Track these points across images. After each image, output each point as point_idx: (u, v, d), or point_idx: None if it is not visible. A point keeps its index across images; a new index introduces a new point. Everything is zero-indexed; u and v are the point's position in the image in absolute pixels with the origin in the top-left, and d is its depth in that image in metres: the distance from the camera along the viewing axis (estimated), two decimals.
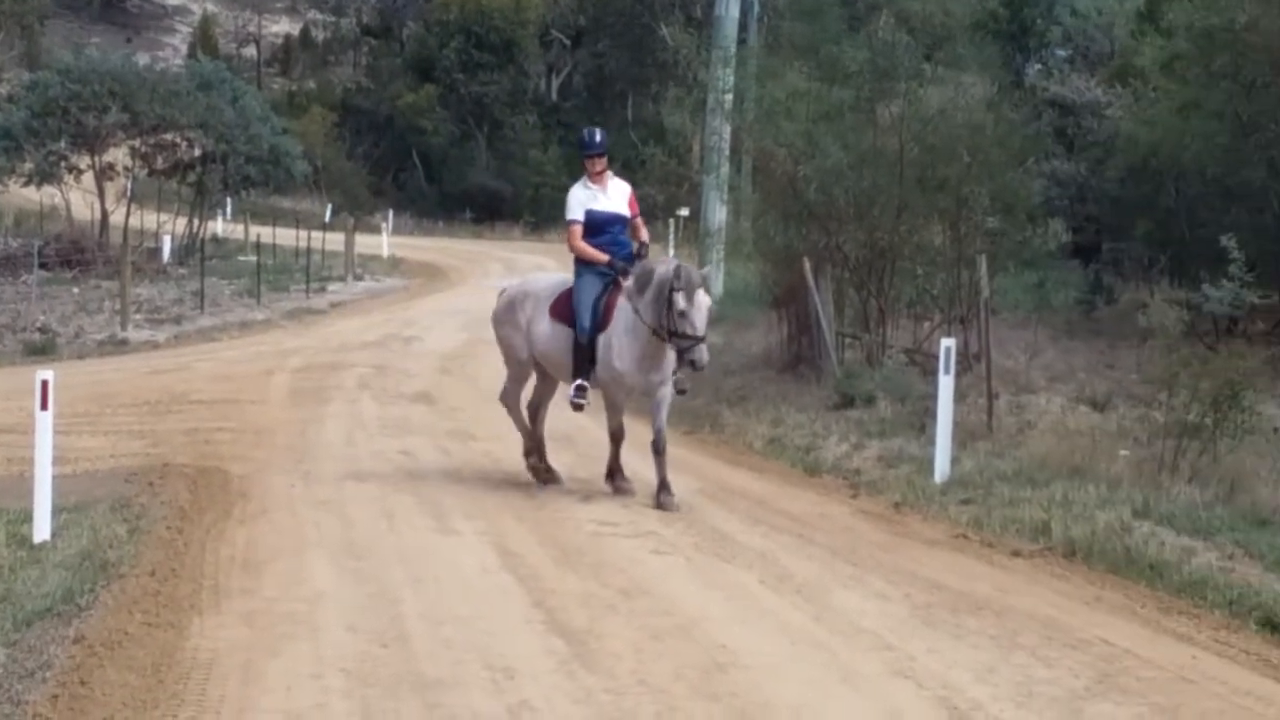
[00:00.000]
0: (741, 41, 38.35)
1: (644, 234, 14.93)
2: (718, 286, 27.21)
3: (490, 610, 10.02)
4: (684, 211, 40.04)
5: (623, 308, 14.11)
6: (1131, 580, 11.24)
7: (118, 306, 32.17)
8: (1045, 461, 15.01)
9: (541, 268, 49.34)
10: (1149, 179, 28.06)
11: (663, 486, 13.96)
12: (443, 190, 76.12)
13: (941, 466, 15.06)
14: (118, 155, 46.38)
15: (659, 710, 7.99)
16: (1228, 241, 18.95)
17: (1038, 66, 43.58)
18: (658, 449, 14.08)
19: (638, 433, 15.06)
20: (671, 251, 34.30)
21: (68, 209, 45.01)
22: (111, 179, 46.09)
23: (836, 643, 9.43)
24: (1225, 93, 25.10)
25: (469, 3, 75.81)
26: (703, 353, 13.69)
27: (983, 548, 12.57)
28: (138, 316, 32.65)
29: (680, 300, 13.54)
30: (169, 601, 10.08)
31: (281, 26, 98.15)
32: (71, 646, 8.92)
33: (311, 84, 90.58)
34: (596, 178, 14.67)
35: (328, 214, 60.39)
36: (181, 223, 47.39)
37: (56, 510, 12.08)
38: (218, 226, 55.13)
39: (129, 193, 45.70)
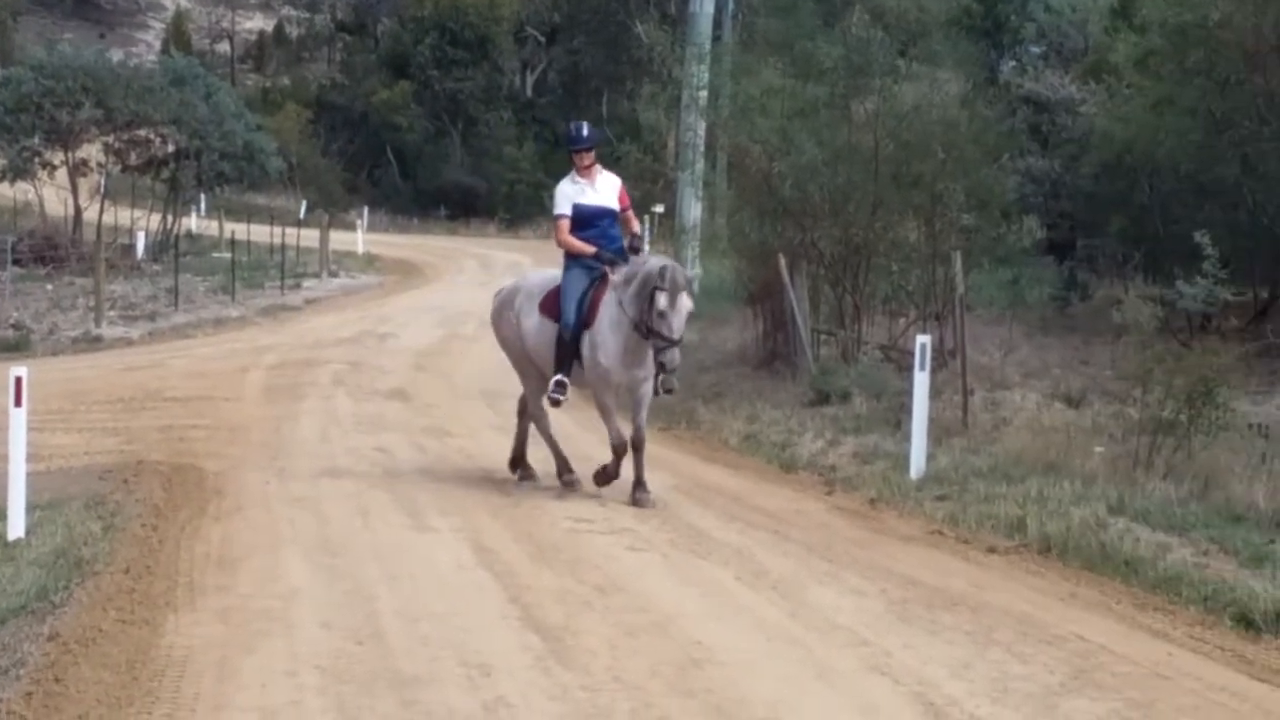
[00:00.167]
0: (716, 38, 38.39)
1: (635, 226, 14.93)
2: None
3: (466, 607, 10.01)
4: (659, 208, 40.02)
5: (608, 301, 14.04)
6: (1106, 576, 11.26)
7: (92, 303, 32.06)
8: (1020, 458, 15.04)
9: (517, 264, 49.48)
10: (1123, 175, 28.11)
11: (639, 484, 13.96)
12: (418, 187, 75.99)
13: (917, 463, 15.08)
14: (91, 151, 46.18)
15: (634, 707, 7.99)
16: (1201, 238, 19.02)
17: (1012, 63, 43.67)
18: (636, 446, 14.06)
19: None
20: (647, 248, 34.39)
21: (41, 205, 44.80)
22: (85, 175, 45.91)
23: (812, 639, 9.43)
24: (1199, 89, 25.16)
25: None
26: (674, 356, 13.71)
27: (958, 544, 12.60)
28: (112, 313, 32.53)
29: (662, 300, 13.52)
30: (144, 599, 10.05)
31: (255, 22, 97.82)
32: (46, 644, 8.89)
33: (286, 80, 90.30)
34: (584, 172, 14.59)
35: (302, 211, 60.21)
36: (155, 219, 47.19)
37: (30, 507, 12.05)
38: (192, 223, 54.92)
39: (103, 189, 45.51)
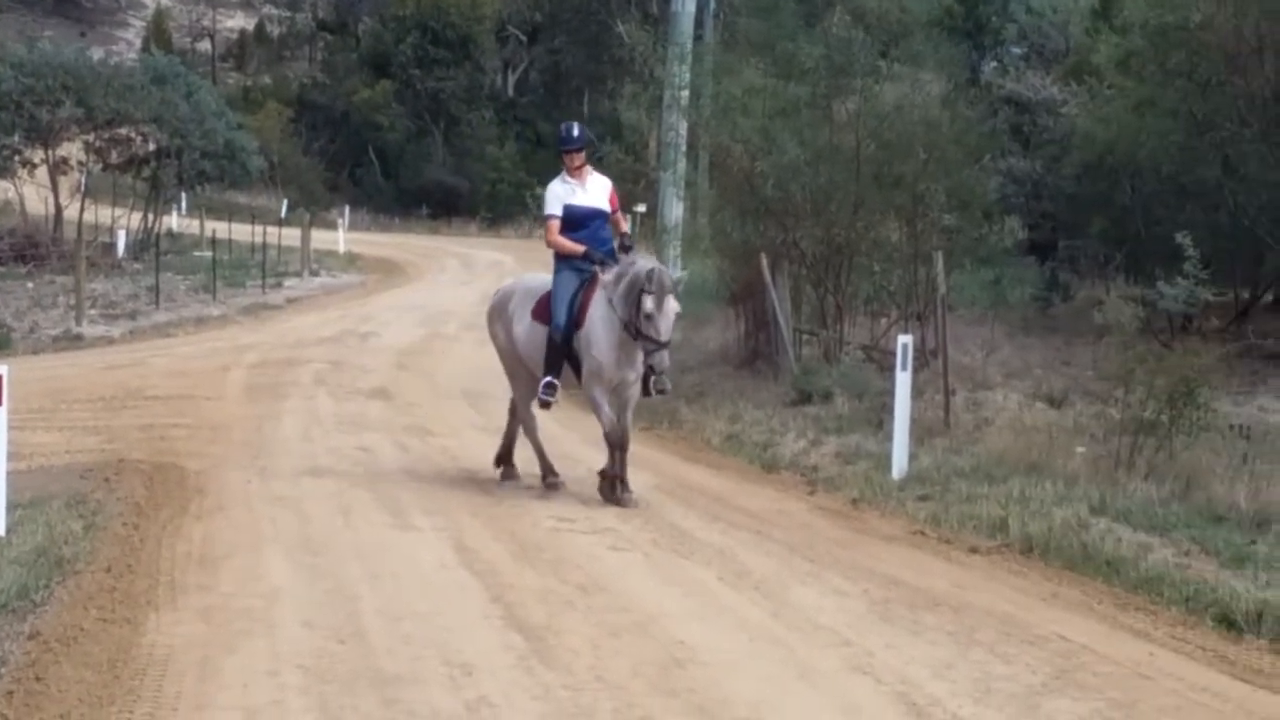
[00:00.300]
0: (698, 38, 38.35)
1: (624, 225, 14.90)
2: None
3: (448, 606, 10.00)
4: (641, 208, 40.01)
5: (598, 300, 13.99)
6: (1088, 576, 11.28)
7: (72, 302, 31.99)
8: (1002, 458, 15.05)
9: (498, 263, 49.54)
10: (1104, 176, 28.15)
11: (622, 484, 13.94)
12: (399, 186, 75.99)
13: (899, 463, 15.09)
14: (72, 149, 46.07)
15: (617, 706, 7.99)
16: (1183, 239, 19.04)
17: (993, 64, 43.74)
18: (620, 446, 14.02)
19: (598, 429, 15.07)
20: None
21: (21, 203, 44.68)
22: (65, 173, 45.78)
23: (794, 639, 9.43)
24: (1180, 91, 25.20)
25: None
26: (664, 359, 13.70)
27: (940, 544, 12.61)
28: (92, 312, 32.47)
29: (649, 303, 13.50)
30: (125, 598, 10.02)
31: (236, 21, 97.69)
32: (27, 643, 8.86)
33: (267, 79, 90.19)
34: (575, 173, 14.53)
35: (284, 209, 60.15)
36: (136, 218, 47.12)
37: (11, 506, 12.00)
38: (173, 222, 54.81)
39: (83, 187, 45.43)
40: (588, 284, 14.18)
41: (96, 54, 56.03)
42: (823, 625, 9.76)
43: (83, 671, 8.38)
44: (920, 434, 16.16)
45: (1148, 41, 26.12)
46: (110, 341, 29.83)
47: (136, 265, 42.91)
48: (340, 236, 55.14)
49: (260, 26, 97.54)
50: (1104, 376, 17.87)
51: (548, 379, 14.20)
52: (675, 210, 33.43)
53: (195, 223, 54.08)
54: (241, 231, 51.06)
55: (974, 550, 12.28)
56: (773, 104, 24.02)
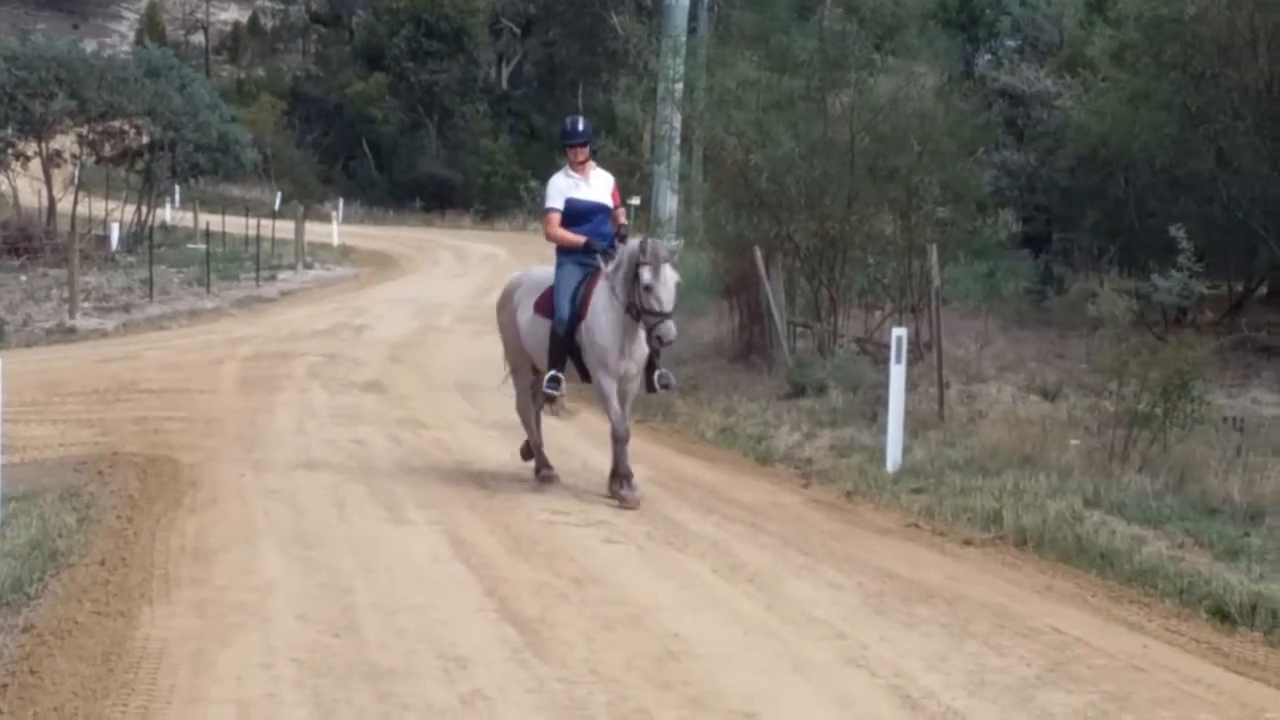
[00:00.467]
0: (692, 30, 38.42)
1: (622, 218, 14.70)
2: None
3: (442, 599, 10.00)
4: (635, 201, 40.04)
5: (600, 290, 13.88)
6: (1082, 569, 11.30)
7: (66, 295, 31.98)
8: (996, 450, 15.06)
9: (492, 256, 49.53)
10: (1098, 169, 28.12)
11: (625, 480, 13.81)
12: (393, 179, 75.91)
13: (893, 455, 15.10)
14: (65, 142, 46.05)
15: (611, 699, 7.99)
16: (1176, 232, 19.05)
17: (987, 56, 43.77)
18: (624, 435, 13.93)
19: (594, 423, 15.08)
20: None
21: (14, 196, 44.63)
22: (59, 166, 45.74)
23: (789, 632, 9.44)
24: (1174, 83, 25.19)
25: None
26: (669, 328, 13.51)
27: (934, 536, 12.62)
28: (86, 305, 32.45)
29: (646, 274, 13.40)
30: (119, 590, 10.02)
31: (230, 13, 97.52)
32: (21, 635, 8.87)
33: (260, 72, 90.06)
34: (578, 167, 14.42)
35: (277, 202, 60.12)
36: (130, 210, 47.05)
37: (5, 499, 12.01)
38: (166, 214, 54.75)
39: (76, 180, 45.40)
40: (590, 277, 14.08)
41: (90, 46, 56.01)
42: (817, 618, 9.77)
43: (77, 664, 8.38)
44: (914, 427, 16.17)
45: (1142, 34, 26.10)
46: (104, 334, 29.82)
47: (130, 258, 42.82)
48: (334, 229, 55.06)
49: (254, 19, 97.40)
50: (1098, 369, 17.90)
51: (551, 373, 14.11)
52: (669, 203, 33.50)
53: (189, 215, 54.02)
54: (235, 224, 51.02)
55: (968, 543, 12.29)
56: (767, 97, 24.03)
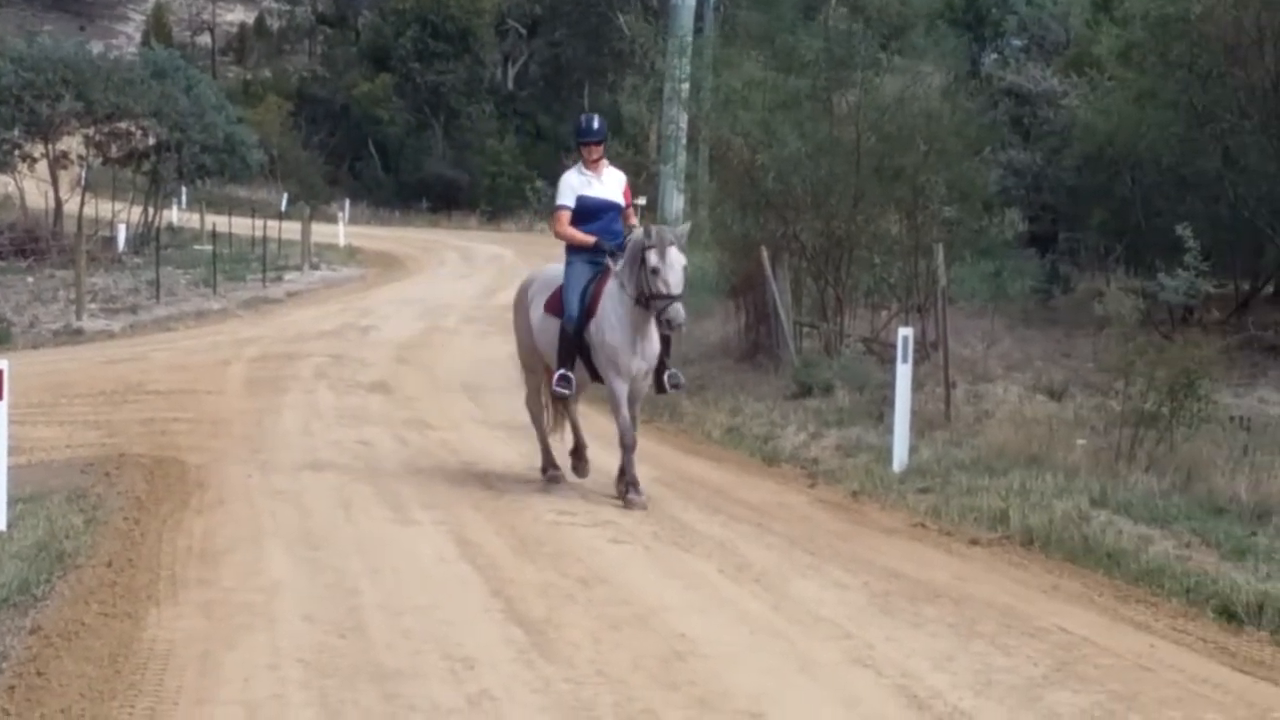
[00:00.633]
0: (698, 30, 38.41)
1: (633, 219, 14.61)
2: None
3: (449, 600, 10.00)
4: (641, 201, 40.07)
5: (610, 289, 13.82)
6: (1089, 569, 11.30)
7: (73, 296, 31.96)
8: (1003, 450, 15.05)
9: (498, 257, 49.53)
10: (1105, 168, 28.07)
11: (631, 484, 13.75)
12: (399, 179, 75.87)
13: (899, 455, 15.09)
14: (72, 144, 46.00)
15: (618, 699, 7.99)
16: (1183, 231, 19.02)
17: (994, 56, 43.71)
18: (632, 442, 13.85)
19: (601, 423, 15.07)
20: None
21: (21, 198, 44.61)
22: (66, 168, 45.71)
23: (795, 631, 9.44)
24: (1180, 82, 25.15)
25: None
26: (678, 311, 13.41)
27: (941, 536, 12.63)
28: (93, 306, 32.44)
29: (653, 257, 13.33)
30: (126, 592, 10.03)
31: (236, 15, 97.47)
32: (28, 637, 8.88)
33: (267, 73, 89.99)
34: (592, 165, 14.35)
35: (284, 203, 60.07)
36: (136, 212, 47.02)
37: (12, 501, 12.00)
38: (173, 216, 54.68)
39: (83, 182, 45.37)
40: (600, 276, 14.02)
41: (96, 48, 55.96)
42: (823, 618, 9.77)
43: (84, 666, 8.39)
44: (921, 426, 16.17)
45: (1148, 33, 26.07)
46: (110, 336, 29.82)
47: (137, 259, 42.83)
48: (340, 230, 55.06)
49: (260, 20, 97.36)
50: (1104, 368, 17.87)
51: (561, 371, 14.06)
52: (676, 203, 33.49)
53: (195, 217, 53.97)
54: (241, 225, 50.98)
55: (975, 543, 12.30)
56: (773, 97, 24.02)
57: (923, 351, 19.17)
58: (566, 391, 14.15)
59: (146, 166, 47.25)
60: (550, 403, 14.88)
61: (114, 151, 46.79)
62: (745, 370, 22.00)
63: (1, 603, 9.53)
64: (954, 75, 25.75)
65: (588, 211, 14.25)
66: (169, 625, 9.23)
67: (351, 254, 51.64)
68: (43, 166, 44.78)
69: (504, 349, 23.01)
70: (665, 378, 14.10)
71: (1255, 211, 24.13)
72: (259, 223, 48.47)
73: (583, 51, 76.48)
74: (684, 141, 32.03)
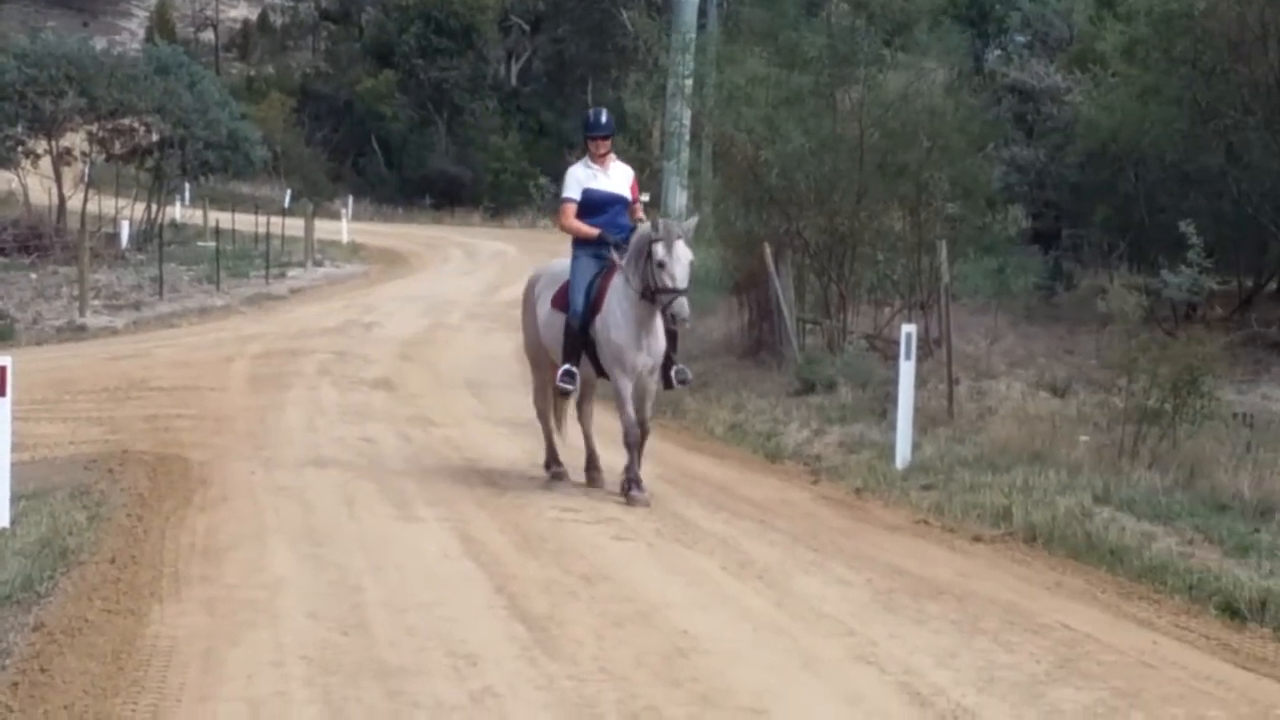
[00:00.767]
0: (701, 27, 38.40)
1: (640, 213, 14.53)
2: None
3: (452, 597, 10.01)
4: (645, 197, 40.11)
5: (615, 284, 13.79)
6: (1092, 565, 11.30)
7: (76, 292, 31.97)
8: (1006, 447, 15.05)
9: (502, 253, 49.52)
10: (1108, 165, 28.09)
11: (634, 481, 13.72)
12: (402, 176, 75.87)
13: (903, 452, 15.10)
14: (75, 140, 46.04)
15: (621, 696, 7.99)
16: (1186, 227, 19.03)
17: (997, 52, 43.69)
18: (635, 444, 13.83)
19: (605, 420, 15.07)
20: None
21: (25, 194, 44.63)
22: (69, 164, 45.74)
23: (798, 628, 9.44)
24: (1184, 78, 25.16)
25: None
26: (683, 305, 13.36)
27: (944, 533, 12.63)
28: (96, 302, 32.44)
29: (659, 250, 13.29)
30: (129, 589, 10.03)
31: (240, 11, 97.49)
32: (31, 634, 8.88)
33: (270, 69, 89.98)
34: (599, 159, 14.34)
35: (287, 200, 60.11)
36: (140, 208, 47.00)
37: (15, 497, 12.00)
38: (176, 212, 54.70)
39: (86, 178, 45.38)
40: (606, 271, 13.99)
41: (99, 44, 55.91)
42: (826, 614, 9.77)
43: (87, 663, 8.39)
44: (924, 423, 16.18)
45: (1152, 29, 26.09)
46: (114, 332, 29.82)
47: (140, 256, 42.81)
48: (343, 226, 55.03)
49: (263, 16, 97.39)
50: (1107, 365, 17.89)
51: (566, 367, 14.02)
52: (679, 200, 33.49)
53: (199, 213, 53.99)
54: (245, 222, 50.96)
55: (978, 539, 12.30)
56: (776, 93, 24.02)
57: (926, 348, 19.18)
58: (570, 387, 14.13)
59: (150, 163, 47.25)
60: (557, 399, 14.86)
61: (117, 148, 46.81)
62: (748, 367, 22.00)
63: (5, 599, 9.54)
64: (957, 71, 25.76)
65: (593, 205, 14.24)
66: (172, 622, 9.23)
67: (355, 250, 51.63)
68: (46, 163, 44.84)
69: (507, 345, 23.06)
70: (672, 373, 14.07)
71: (1259, 208, 24.14)
72: (262, 219, 48.44)
73: (586, 48, 76.48)
74: (687, 138, 31.98)
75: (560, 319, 14.19)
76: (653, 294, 13.48)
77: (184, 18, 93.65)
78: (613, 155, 14.55)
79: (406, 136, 76.11)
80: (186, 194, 56.95)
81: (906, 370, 15.25)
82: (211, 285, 37.70)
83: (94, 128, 45.71)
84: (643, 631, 9.23)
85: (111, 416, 18.17)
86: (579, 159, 14.73)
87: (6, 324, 29.12)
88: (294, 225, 49.44)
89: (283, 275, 42.33)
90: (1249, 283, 26.59)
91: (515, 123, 76.68)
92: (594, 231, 14.11)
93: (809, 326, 23.10)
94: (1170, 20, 25.02)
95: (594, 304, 13.92)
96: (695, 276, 14.58)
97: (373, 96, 75.27)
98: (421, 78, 75.28)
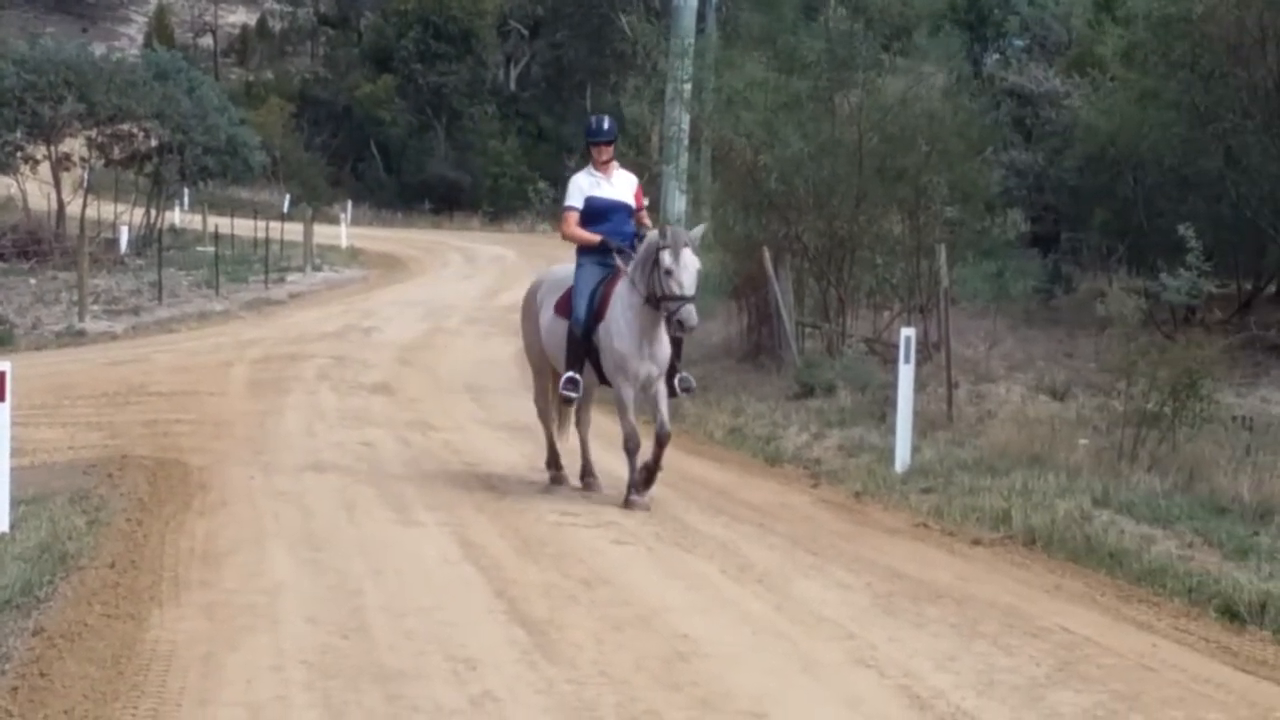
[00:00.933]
0: (700, 31, 38.39)
1: (646, 220, 14.48)
2: None
3: (452, 601, 10.00)
4: (645, 202, 40.13)
5: (620, 290, 13.73)
6: (1091, 568, 11.30)
7: (75, 297, 31.97)
8: (1005, 450, 15.06)
9: (501, 258, 49.53)
10: (1107, 168, 28.10)
11: (634, 486, 13.72)
12: (401, 181, 75.87)
13: (902, 456, 15.10)
14: (74, 145, 46.03)
15: (620, 700, 7.99)
16: (1185, 231, 19.01)
17: (996, 56, 43.65)
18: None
19: (605, 424, 15.07)
20: None
21: (24, 200, 44.65)
22: (68, 169, 45.72)
23: (798, 632, 9.44)
24: (1183, 82, 25.18)
25: None
26: (690, 313, 13.28)
27: (943, 536, 12.63)
28: (95, 308, 32.44)
29: (666, 258, 13.22)
30: (128, 593, 10.03)
31: (238, 16, 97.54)
32: (31, 639, 8.87)
33: (269, 74, 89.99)
34: (602, 166, 14.32)
35: (286, 204, 60.10)
36: (139, 213, 47.05)
37: (14, 502, 11.99)
38: (175, 217, 54.71)
39: (85, 183, 45.39)
40: (610, 278, 13.94)
41: (98, 50, 55.98)
42: (826, 618, 9.77)
43: (87, 667, 8.39)
44: (923, 427, 16.18)
45: (1150, 33, 26.11)
46: (113, 337, 29.82)
47: (139, 261, 42.81)
48: (342, 231, 55.03)
49: (262, 21, 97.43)
50: (1107, 368, 17.88)
51: (569, 374, 13.98)
52: (678, 204, 33.49)
53: (198, 218, 53.97)
54: (244, 227, 51.02)
55: (977, 543, 12.30)
56: (775, 98, 24.04)
57: (925, 352, 19.18)
58: (573, 394, 14.09)
59: (149, 168, 47.29)
60: (558, 405, 14.84)
61: (116, 153, 46.83)
62: (747, 371, 22.01)
63: (4, 604, 9.53)
64: (956, 76, 25.79)
65: (596, 212, 14.21)
66: (171, 627, 9.23)
67: (354, 255, 51.62)
68: (45, 168, 44.81)
69: (506, 350, 23.06)
70: (676, 381, 14.04)
71: (1257, 211, 24.16)
72: (261, 224, 48.49)
73: (585, 53, 76.47)
74: (686, 142, 32.07)
75: (563, 325, 14.15)
76: (658, 301, 13.42)
77: (183, 23, 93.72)
78: (615, 162, 14.52)
79: (405, 141, 76.13)
80: (185, 199, 56.94)
81: (906, 374, 15.25)
82: (210, 290, 37.70)
83: (93, 133, 45.72)
84: (642, 635, 9.23)
85: (111, 421, 18.16)
86: (581, 166, 14.72)
87: (6, 329, 29.10)
88: (293, 230, 49.41)
89: (282, 280, 42.33)
90: (1248, 286, 26.59)
91: (514, 127, 76.68)
92: (595, 238, 14.08)
93: (808, 330, 23.10)
94: (1169, 24, 25.05)
95: (598, 311, 13.89)
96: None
97: (371, 101, 75.31)
98: (420, 83, 75.30)
